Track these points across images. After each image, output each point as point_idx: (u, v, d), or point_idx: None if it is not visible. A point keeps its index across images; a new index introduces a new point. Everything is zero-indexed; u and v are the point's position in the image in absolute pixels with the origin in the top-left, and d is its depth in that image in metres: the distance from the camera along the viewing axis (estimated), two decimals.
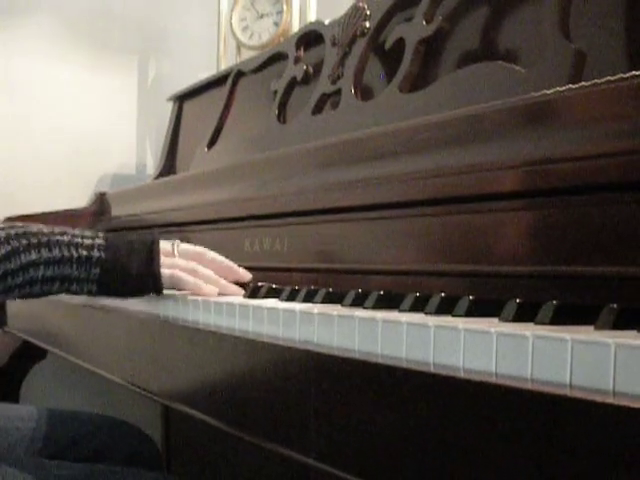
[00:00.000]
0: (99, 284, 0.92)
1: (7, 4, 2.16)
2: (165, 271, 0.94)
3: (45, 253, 0.89)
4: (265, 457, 1.55)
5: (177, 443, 1.96)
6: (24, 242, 0.88)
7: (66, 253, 0.90)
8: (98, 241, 0.92)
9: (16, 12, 2.17)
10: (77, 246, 0.91)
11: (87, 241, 0.92)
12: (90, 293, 0.93)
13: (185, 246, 0.99)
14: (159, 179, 1.79)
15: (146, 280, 0.93)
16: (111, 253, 0.92)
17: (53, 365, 2.01)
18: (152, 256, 0.93)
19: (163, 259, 0.94)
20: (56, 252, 0.90)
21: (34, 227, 0.91)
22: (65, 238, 0.91)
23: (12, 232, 0.89)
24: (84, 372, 1.35)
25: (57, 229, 0.93)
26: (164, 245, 0.96)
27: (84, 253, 0.91)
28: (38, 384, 2.08)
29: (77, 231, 0.94)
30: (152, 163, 2.38)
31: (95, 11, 2.28)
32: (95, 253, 0.91)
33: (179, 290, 0.96)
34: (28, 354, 1.93)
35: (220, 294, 0.95)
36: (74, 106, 2.26)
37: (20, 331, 1.68)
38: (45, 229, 0.92)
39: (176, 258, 0.96)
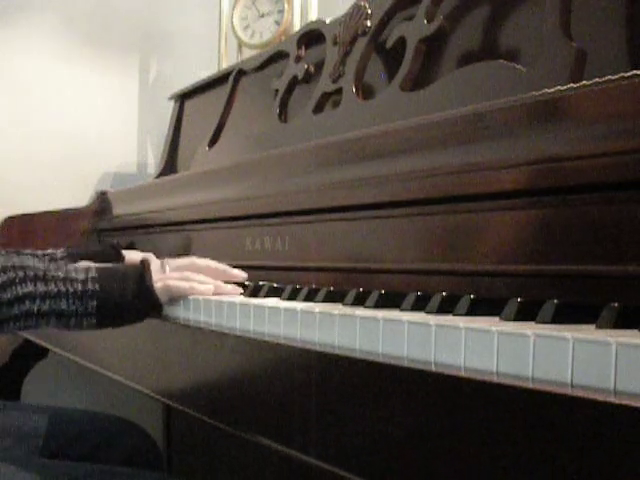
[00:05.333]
0: (98, 316, 0.92)
1: (7, 2, 2.16)
2: (157, 284, 0.95)
3: (41, 287, 0.90)
4: (266, 456, 1.55)
5: (178, 442, 1.96)
6: (20, 274, 0.89)
7: (62, 288, 0.91)
8: (91, 274, 0.93)
9: (17, 10, 2.17)
10: (72, 281, 0.91)
11: (81, 276, 0.92)
12: (91, 326, 0.93)
13: (175, 261, 1.01)
14: (160, 178, 1.79)
15: (142, 300, 0.94)
16: (105, 284, 0.92)
17: (54, 364, 2.01)
18: (144, 276, 0.94)
19: (155, 276, 0.95)
20: (52, 287, 0.90)
21: (30, 261, 0.92)
22: (60, 274, 0.92)
23: (8, 264, 0.89)
24: (85, 371, 1.35)
25: (52, 265, 0.94)
26: (154, 265, 0.97)
27: (79, 288, 0.91)
28: (39, 383, 2.08)
29: (70, 266, 0.95)
30: (153, 162, 2.38)
31: (96, 10, 2.28)
32: (90, 286, 0.92)
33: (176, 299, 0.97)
34: (29, 353, 1.93)
35: (216, 294, 0.95)
36: (75, 105, 2.26)
37: None
38: (40, 264, 0.93)
39: (167, 273, 0.97)
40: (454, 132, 0.82)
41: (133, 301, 0.93)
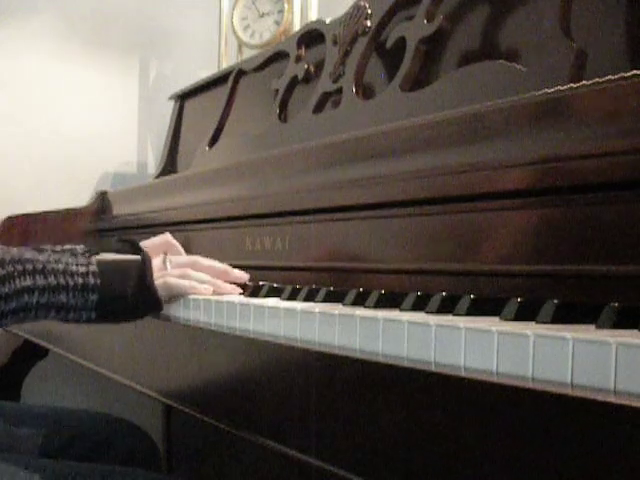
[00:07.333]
0: (97, 311, 0.92)
1: (7, 3, 2.16)
2: (158, 281, 0.94)
3: (40, 280, 0.89)
4: (266, 456, 1.55)
5: (178, 442, 1.96)
6: (19, 268, 0.88)
7: (61, 281, 0.90)
8: (92, 268, 0.92)
9: (17, 11, 2.17)
10: (72, 274, 0.90)
11: (82, 269, 0.91)
12: (89, 320, 0.92)
13: (177, 258, 1.00)
14: (160, 178, 1.79)
15: (142, 297, 0.93)
16: (106, 279, 0.91)
17: (54, 364, 2.01)
18: (145, 274, 0.93)
19: (156, 274, 0.95)
20: (51, 280, 0.89)
21: (29, 254, 0.91)
22: (60, 266, 0.91)
23: (7, 257, 0.88)
24: (85, 371, 1.35)
25: (52, 257, 0.92)
26: (155, 262, 0.96)
27: (80, 281, 0.90)
28: (39, 383, 2.08)
29: (71, 259, 0.93)
30: (153, 162, 2.38)
31: (96, 10, 2.28)
32: (90, 280, 0.91)
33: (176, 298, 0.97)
34: (29, 353, 1.93)
35: (215, 293, 0.95)
36: (75, 105, 2.26)
37: (21, 330, 1.69)
38: (40, 256, 0.91)
39: (168, 270, 0.97)
40: (454, 132, 0.82)
41: (133, 298, 0.92)
